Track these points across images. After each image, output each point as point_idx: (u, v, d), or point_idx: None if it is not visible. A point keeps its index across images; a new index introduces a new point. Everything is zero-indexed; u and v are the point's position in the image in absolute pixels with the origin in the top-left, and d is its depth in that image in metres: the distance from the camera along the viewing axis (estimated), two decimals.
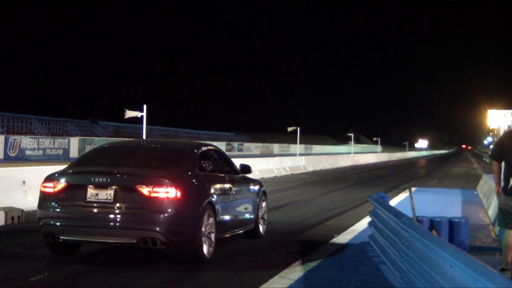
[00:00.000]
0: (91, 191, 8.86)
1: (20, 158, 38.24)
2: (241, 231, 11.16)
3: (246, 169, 11.57)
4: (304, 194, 22.64)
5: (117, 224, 8.71)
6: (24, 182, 15.53)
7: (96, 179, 8.85)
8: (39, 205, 9.23)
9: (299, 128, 43.68)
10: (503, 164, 8.82)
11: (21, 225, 13.07)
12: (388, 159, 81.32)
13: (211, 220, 9.42)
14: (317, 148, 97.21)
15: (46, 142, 42.42)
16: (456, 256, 5.37)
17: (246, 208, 11.21)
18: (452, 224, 10.15)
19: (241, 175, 11.35)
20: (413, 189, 22.06)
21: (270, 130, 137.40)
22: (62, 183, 9.09)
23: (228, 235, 10.52)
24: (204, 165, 9.97)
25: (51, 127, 53.73)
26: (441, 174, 43.54)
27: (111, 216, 8.73)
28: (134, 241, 8.69)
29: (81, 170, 9.37)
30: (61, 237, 8.94)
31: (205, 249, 9.17)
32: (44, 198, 9.19)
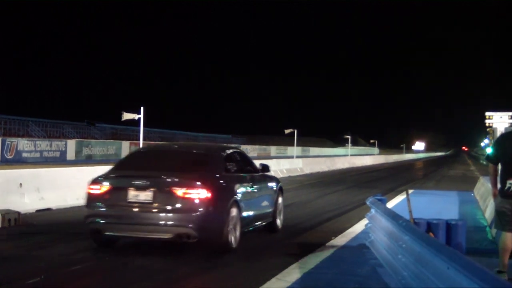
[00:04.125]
0: (132, 193, 10.04)
1: (17, 161, 38.18)
2: (261, 225, 12.30)
3: (265, 168, 12.81)
4: (302, 196, 22.64)
5: (156, 221, 9.89)
6: (21, 184, 15.52)
7: (136, 182, 10.08)
8: (87, 205, 10.46)
9: (296, 131, 43.71)
10: (499, 166, 8.84)
11: (18, 227, 13.05)
12: (385, 161, 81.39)
13: (236, 216, 10.61)
14: (314, 151, 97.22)
15: (43, 144, 42.36)
16: (453, 258, 5.39)
17: (265, 204, 12.35)
18: (449, 226, 10.16)
19: (261, 173, 12.61)
20: (410, 191, 21.93)
21: (267, 132, 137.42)
22: (106, 186, 10.31)
23: (250, 229, 11.65)
24: (229, 167, 11.27)
25: (48, 129, 53.62)
26: (439, 177, 43.57)
27: (150, 214, 9.92)
28: (171, 236, 9.92)
29: (122, 174, 10.62)
30: (106, 233, 10.25)
31: (231, 241, 10.39)
32: (90, 199, 10.39)
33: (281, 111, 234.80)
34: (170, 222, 9.85)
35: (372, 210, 11.07)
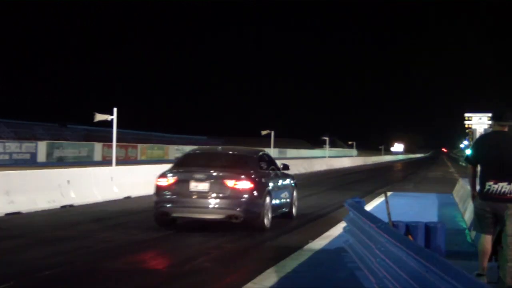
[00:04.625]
0: (193, 184, 13.28)
1: None
2: (283, 211, 15.60)
3: (285, 167, 16.41)
4: None
5: (212, 206, 13.17)
6: None
7: (196, 176, 13.32)
8: (156, 194, 13.58)
9: (273, 132, 43.75)
10: (479, 167, 8.91)
11: None
12: (363, 163, 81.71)
13: (269, 203, 13.94)
14: (291, 152, 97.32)
15: (12, 146, 41.98)
16: (432, 261, 5.42)
17: (286, 195, 15.77)
18: (428, 229, 10.23)
19: (282, 171, 16.02)
20: (389, 193, 22.07)
21: (243, 133, 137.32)
22: (172, 179, 13.49)
23: (278, 214, 14.96)
24: (261, 165, 14.62)
25: (18, 131, 53.13)
26: (418, 178, 43.84)
27: (207, 200, 13.16)
28: (223, 217, 13.22)
29: (185, 170, 13.76)
30: (172, 215, 13.47)
31: (266, 222, 13.74)
32: (159, 189, 13.56)
33: (258, 112, 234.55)
34: (223, 206, 13.15)
35: (350, 213, 11.10)
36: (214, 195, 13.20)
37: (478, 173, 8.86)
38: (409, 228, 10.18)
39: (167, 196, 13.41)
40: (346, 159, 73.98)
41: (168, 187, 13.46)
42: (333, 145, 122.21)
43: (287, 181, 16.22)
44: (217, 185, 13.22)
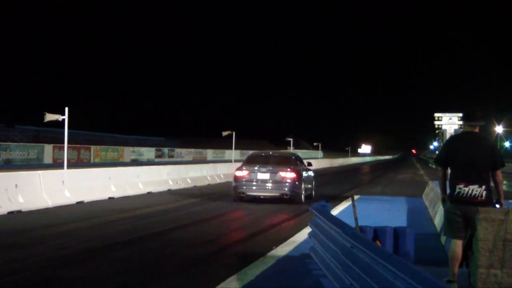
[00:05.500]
0: (259, 174, 22.20)
1: None
2: (308, 193, 23.78)
3: (309, 164, 25.83)
4: (240, 203, 22.66)
5: (271, 188, 22.10)
6: None
7: (261, 169, 22.28)
8: (235, 181, 22.43)
9: (235, 133, 43.71)
10: (449, 170, 9.00)
11: None
12: (329, 165, 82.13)
13: (304, 187, 22.68)
14: None
15: None
16: (400, 267, 5.47)
17: (310, 183, 24.41)
18: (397, 234, 10.31)
19: (307, 167, 24.75)
20: (356, 197, 22.27)
21: (203, 134, 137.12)
22: (245, 171, 22.34)
23: (306, 194, 23.32)
24: (297, 163, 23.38)
25: None
26: (386, 181, 44.19)
27: (268, 184, 22.09)
28: (278, 195, 22.03)
29: (252, 165, 22.55)
30: (247, 193, 22.20)
31: (303, 198, 22.49)
32: (237, 177, 22.36)
33: (219, 112, 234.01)
34: (278, 188, 22.12)
35: (316, 218, 11.15)
36: (272, 181, 22.18)
37: (449, 176, 8.96)
38: (377, 233, 10.24)
39: (243, 182, 22.27)
40: (311, 161, 74.16)
41: (243, 176, 22.35)
42: (297, 146, 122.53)
43: (310, 173, 24.97)
44: (274, 175, 22.19)
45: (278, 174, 22.08)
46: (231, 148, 46.80)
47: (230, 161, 48.62)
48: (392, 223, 12.26)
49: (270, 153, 25.36)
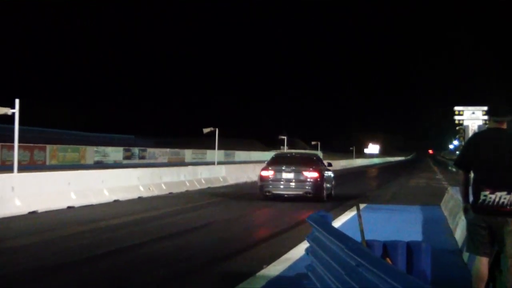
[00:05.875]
0: (283, 174, 27.66)
1: None
2: (328, 192, 28.63)
3: (329, 164, 31.09)
4: (224, 213, 22.65)
5: (295, 187, 27.61)
6: None
7: (286, 169, 27.81)
8: (261, 180, 28.12)
9: (218, 130, 43.65)
10: (472, 173, 8.95)
11: None
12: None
13: (325, 186, 27.92)
14: (241, 155, 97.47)
15: None
16: None
17: (330, 183, 29.27)
18: (410, 250, 10.29)
19: (328, 167, 30.08)
20: (361, 206, 22.26)
21: (181, 132, 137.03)
22: (271, 171, 27.80)
23: (327, 193, 28.29)
24: (319, 163, 29.18)
25: None
26: (397, 187, 44.25)
27: (292, 183, 27.63)
28: (302, 193, 27.37)
29: (277, 165, 28.05)
30: (273, 192, 27.63)
31: (325, 197, 27.91)
32: (263, 177, 27.90)
33: (200, 107, 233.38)
34: (302, 187, 27.31)
35: (314, 231, 11.12)
36: (296, 180, 27.57)
37: (471, 180, 8.92)
38: (387, 248, 10.22)
39: (269, 181, 27.72)
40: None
41: (268, 176, 27.82)
42: (292, 146, 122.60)
43: (330, 173, 30.40)
44: (298, 174, 27.57)
45: (302, 173, 27.68)
46: (213, 148, 46.72)
47: (212, 163, 48.57)
48: (405, 236, 12.25)
49: (293, 153, 34.49)
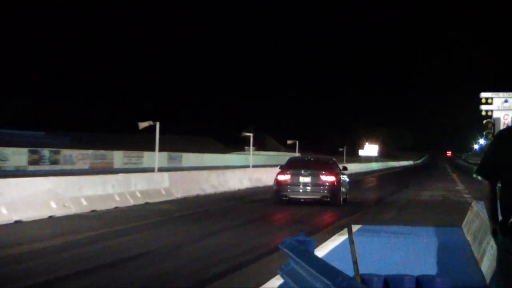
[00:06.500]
0: (300, 177, 38.33)
1: None
2: (344, 196, 39.76)
3: (345, 168, 42.78)
4: (168, 237, 22.67)
5: (312, 191, 38.49)
6: None
7: (303, 172, 38.58)
8: (277, 184, 38.55)
9: (160, 124, 43.55)
10: (499, 184, 8.90)
11: None
12: None
13: (341, 190, 39.25)
14: (190, 159, 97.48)
15: None
16: None
17: (345, 187, 40.60)
18: (421, 287, 10.40)
19: (343, 171, 41.42)
20: (355, 227, 22.32)
21: (109, 128, 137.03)
22: (287, 175, 38.40)
23: (343, 197, 39.55)
24: (335, 167, 40.53)
25: None
26: (403, 201, 44.36)
27: (309, 187, 38.47)
28: (319, 197, 38.09)
29: (293, 169, 38.97)
30: (290, 196, 38.31)
31: (341, 201, 39.18)
32: (278, 181, 38.60)
33: (200, 107, 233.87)
34: (319, 191, 38.08)
35: (290, 261, 11.20)
36: (313, 184, 37.16)
37: (499, 192, 8.88)
38: (389, 285, 10.33)
39: (286, 185, 37.18)
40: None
41: (285, 180, 37.30)
42: (262, 147, 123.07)
43: (346, 177, 40.24)
44: (315, 178, 37.06)
45: (319, 177, 37.20)
46: (153, 150, 46.62)
47: (152, 169, 48.31)
48: (414, 269, 12.35)
49: (309, 157, 45.95)
